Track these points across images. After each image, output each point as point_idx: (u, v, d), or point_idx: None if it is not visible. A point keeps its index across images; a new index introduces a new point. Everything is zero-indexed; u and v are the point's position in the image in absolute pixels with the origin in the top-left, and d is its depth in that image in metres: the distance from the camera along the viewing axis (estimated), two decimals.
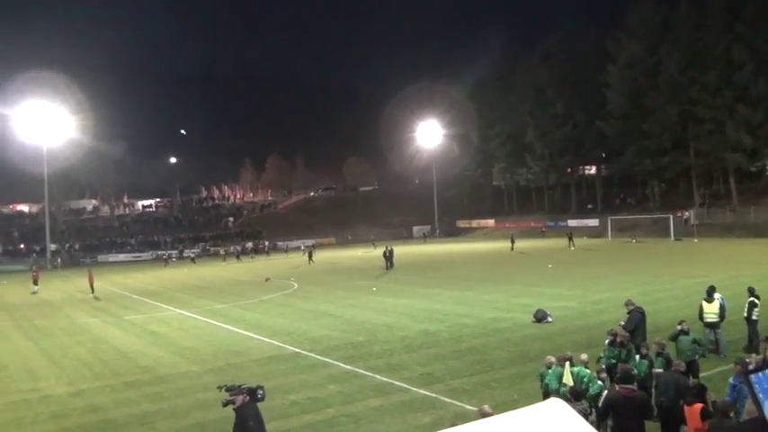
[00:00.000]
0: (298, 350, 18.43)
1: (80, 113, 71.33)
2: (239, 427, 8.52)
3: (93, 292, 36.92)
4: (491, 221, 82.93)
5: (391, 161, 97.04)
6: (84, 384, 15.89)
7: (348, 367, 16.08)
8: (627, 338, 12.44)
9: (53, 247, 71.02)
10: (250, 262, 59.69)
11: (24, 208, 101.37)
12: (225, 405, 8.63)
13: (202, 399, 13.98)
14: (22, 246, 75.63)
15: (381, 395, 13.63)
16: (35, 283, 40.91)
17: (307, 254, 54.46)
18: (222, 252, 68.85)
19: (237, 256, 64.20)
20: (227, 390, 8.62)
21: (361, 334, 20.26)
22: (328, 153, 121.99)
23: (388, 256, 42.36)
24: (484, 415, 6.93)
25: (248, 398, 8.52)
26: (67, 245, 76.01)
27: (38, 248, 72.56)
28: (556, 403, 3.99)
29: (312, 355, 17.76)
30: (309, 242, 72.58)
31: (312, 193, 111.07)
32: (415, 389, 13.86)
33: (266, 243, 76.44)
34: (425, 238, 77.91)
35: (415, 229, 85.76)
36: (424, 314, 23.28)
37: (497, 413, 5.79)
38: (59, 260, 67.91)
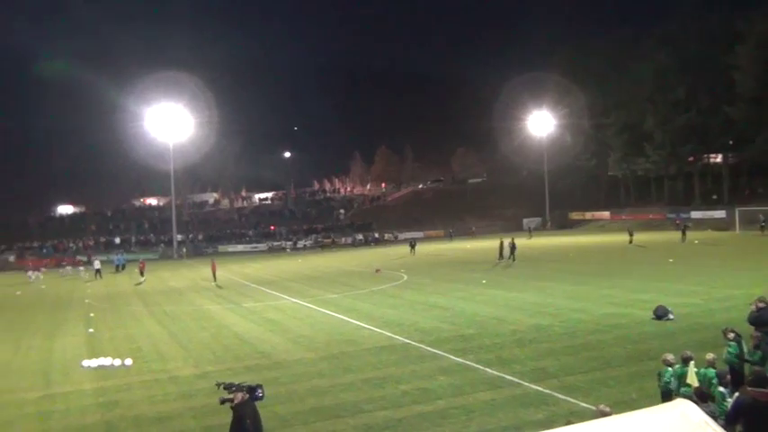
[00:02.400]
0: (408, 341, 18.61)
1: (203, 112, 75.68)
2: (237, 425, 8.38)
3: (215, 280, 38.97)
4: (606, 213, 79.66)
5: (501, 152, 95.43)
6: (209, 367, 16.86)
7: (458, 359, 16.05)
8: (758, 338, 11.59)
9: (179, 237, 75.79)
10: (320, 254, 61.18)
11: (153, 201, 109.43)
12: (222, 403, 8.49)
13: (317, 385, 14.46)
14: (151, 236, 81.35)
15: (492, 389, 13.51)
16: (141, 273, 43.83)
17: (409, 245, 55.57)
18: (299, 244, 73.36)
19: (323, 247, 67.28)
20: (225, 387, 8.50)
21: (471, 327, 20.15)
22: (437, 145, 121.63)
23: (512, 249, 41.80)
24: (602, 414, 6.69)
25: (247, 396, 8.41)
26: (191, 235, 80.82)
27: (165, 239, 77.71)
28: (684, 404, 3.79)
29: (422, 346, 17.87)
30: (410, 234, 73.24)
31: (421, 186, 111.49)
32: (526, 384, 13.63)
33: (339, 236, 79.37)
34: (530, 231, 71.73)
35: (525, 221, 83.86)
36: (536, 308, 22.80)
37: (616, 413, 5.58)
38: (185, 250, 72.39)
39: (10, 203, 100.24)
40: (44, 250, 73.00)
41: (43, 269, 53.21)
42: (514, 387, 13.55)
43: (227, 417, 12.76)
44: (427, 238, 74.79)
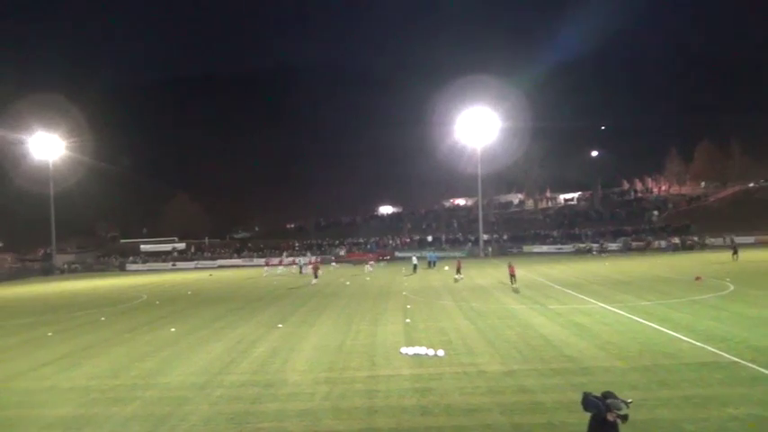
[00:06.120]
0: (736, 359, 16.50)
1: (510, 114, 77.34)
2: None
3: (513, 283, 37.75)
4: None
5: None
6: (515, 365, 17.08)
7: None
8: None
9: (485, 237, 78.42)
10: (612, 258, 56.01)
11: (461, 201, 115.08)
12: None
13: (629, 396, 13.62)
14: (459, 235, 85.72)
15: None
16: (458, 271, 45.58)
17: (731, 249, 49.21)
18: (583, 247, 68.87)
19: (645, 248, 63.21)
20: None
21: None
22: None
23: None
24: None
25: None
26: (497, 235, 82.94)
27: (472, 238, 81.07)
28: None
29: (754, 366, 15.69)
30: (738, 239, 64.64)
31: (752, 184, 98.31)
32: None
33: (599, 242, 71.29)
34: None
35: None
36: None
37: None
38: (490, 249, 74.63)
39: (342, 205, 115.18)
40: (368, 246, 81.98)
41: (373, 263, 60.82)
42: None
43: (537, 416, 12.86)
44: (760, 244, 65.50)
